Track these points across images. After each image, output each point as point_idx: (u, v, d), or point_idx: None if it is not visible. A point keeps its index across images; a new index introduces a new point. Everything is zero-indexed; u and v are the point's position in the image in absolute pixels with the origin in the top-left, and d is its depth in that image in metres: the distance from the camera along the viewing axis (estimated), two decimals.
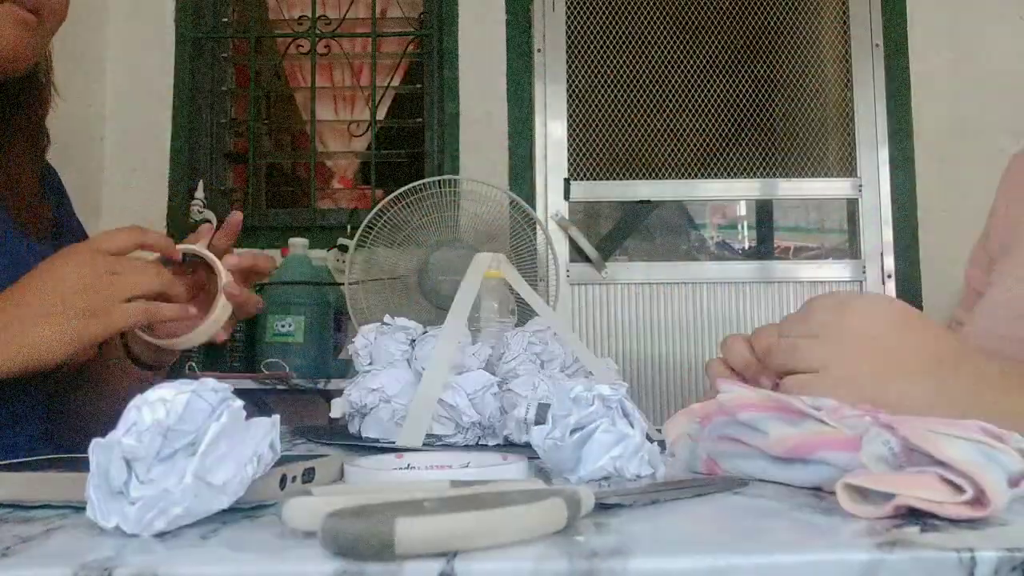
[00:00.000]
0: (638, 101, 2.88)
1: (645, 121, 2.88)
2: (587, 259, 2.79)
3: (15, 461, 0.54)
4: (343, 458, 0.55)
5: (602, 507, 0.43)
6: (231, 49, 3.01)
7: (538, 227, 2.38)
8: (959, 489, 0.39)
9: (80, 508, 0.41)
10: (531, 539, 0.36)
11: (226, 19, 2.99)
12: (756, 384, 0.62)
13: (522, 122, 2.81)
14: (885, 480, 0.40)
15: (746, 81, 2.88)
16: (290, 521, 0.37)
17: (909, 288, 2.73)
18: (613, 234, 2.86)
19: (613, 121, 2.87)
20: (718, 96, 2.88)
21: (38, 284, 0.76)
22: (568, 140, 2.84)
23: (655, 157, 2.87)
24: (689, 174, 2.86)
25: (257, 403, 2.22)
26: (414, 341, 0.84)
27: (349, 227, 2.52)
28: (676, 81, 2.88)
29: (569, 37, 2.87)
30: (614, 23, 2.89)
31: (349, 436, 0.82)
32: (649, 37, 2.90)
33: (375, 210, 2.29)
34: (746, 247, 3.02)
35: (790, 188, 2.87)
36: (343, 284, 2.27)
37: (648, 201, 2.86)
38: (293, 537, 0.38)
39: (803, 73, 2.89)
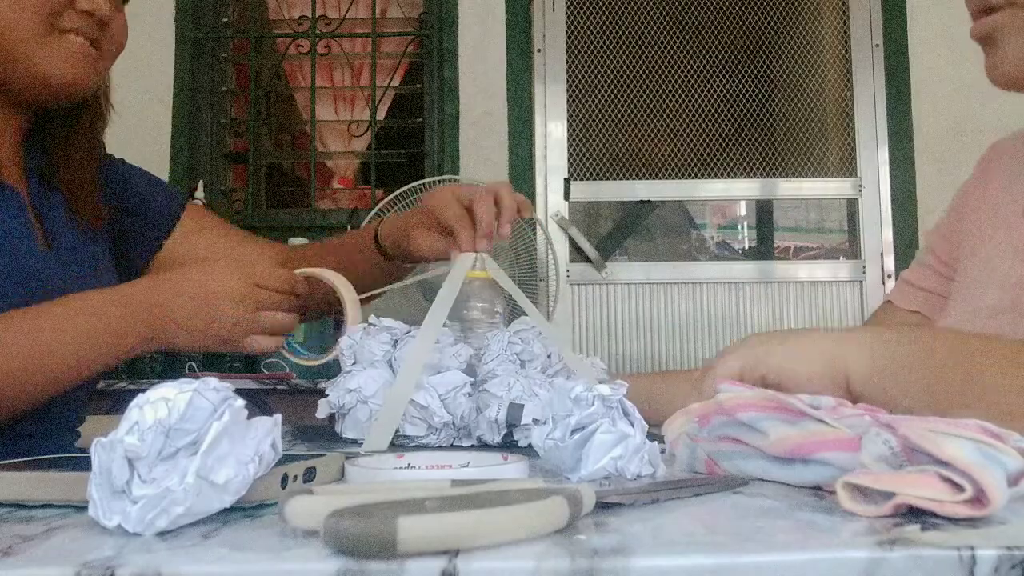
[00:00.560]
0: (638, 101, 2.88)
1: (645, 121, 2.88)
2: (587, 259, 2.79)
3: (16, 461, 0.54)
4: (343, 458, 0.55)
5: (602, 506, 0.43)
6: (231, 49, 3.01)
7: (538, 227, 2.38)
8: (959, 488, 0.39)
9: (82, 507, 0.41)
10: (533, 537, 0.36)
11: (226, 19, 2.99)
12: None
13: (522, 122, 2.81)
14: (885, 479, 0.40)
15: (746, 81, 2.88)
16: (292, 520, 0.38)
17: None
18: (613, 234, 2.87)
19: (613, 121, 2.87)
20: (718, 96, 2.88)
21: (192, 298, 0.83)
22: (568, 140, 2.84)
23: (655, 157, 2.87)
24: (689, 174, 2.86)
25: (258, 403, 2.22)
26: (397, 342, 0.84)
27: (349, 227, 2.52)
28: (676, 81, 2.88)
29: (569, 37, 2.87)
30: (614, 23, 2.89)
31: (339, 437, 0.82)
32: (649, 37, 2.90)
33: (375, 210, 2.29)
34: (746, 247, 3.02)
35: (790, 188, 2.87)
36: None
37: (648, 201, 2.86)
38: (294, 536, 0.38)
39: (803, 73, 2.89)
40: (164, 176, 2.80)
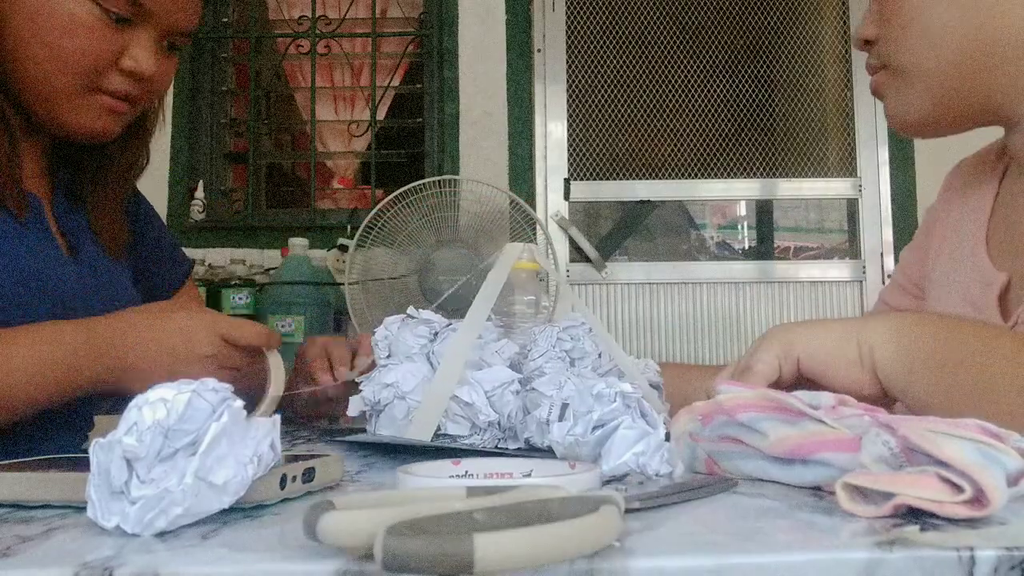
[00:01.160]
0: (638, 101, 2.88)
1: (645, 121, 2.88)
2: (587, 259, 2.79)
3: (15, 461, 0.54)
4: (342, 458, 0.55)
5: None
6: (231, 49, 3.01)
7: (538, 227, 2.38)
8: (958, 488, 0.39)
9: (80, 508, 0.41)
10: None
11: (226, 19, 2.99)
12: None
13: (522, 122, 2.81)
14: (884, 480, 0.40)
15: (746, 81, 2.88)
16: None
17: None
18: (613, 234, 2.86)
19: (613, 121, 2.87)
20: (718, 96, 2.88)
21: (158, 347, 0.78)
22: (568, 140, 2.84)
23: (655, 157, 2.87)
24: (689, 174, 2.86)
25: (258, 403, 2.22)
26: (437, 335, 0.78)
27: (349, 227, 2.52)
28: (676, 81, 2.88)
29: (569, 37, 2.87)
30: (614, 23, 2.89)
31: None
32: (649, 37, 2.90)
33: (375, 210, 2.29)
34: (746, 247, 3.02)
35: (790, 188, 2.87)
36: (343, 284, 2.27)
37: (648, 201, 2.86)
38: (293, 537, 0.38)
39: (803, 73, 2.89)
40: (164, 176, 2.81)
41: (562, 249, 2.76)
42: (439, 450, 0.67)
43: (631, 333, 2.76)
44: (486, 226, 2.27)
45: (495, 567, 0.30)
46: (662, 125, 2.87)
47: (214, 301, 2.40)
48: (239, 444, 0.41)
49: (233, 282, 2.42)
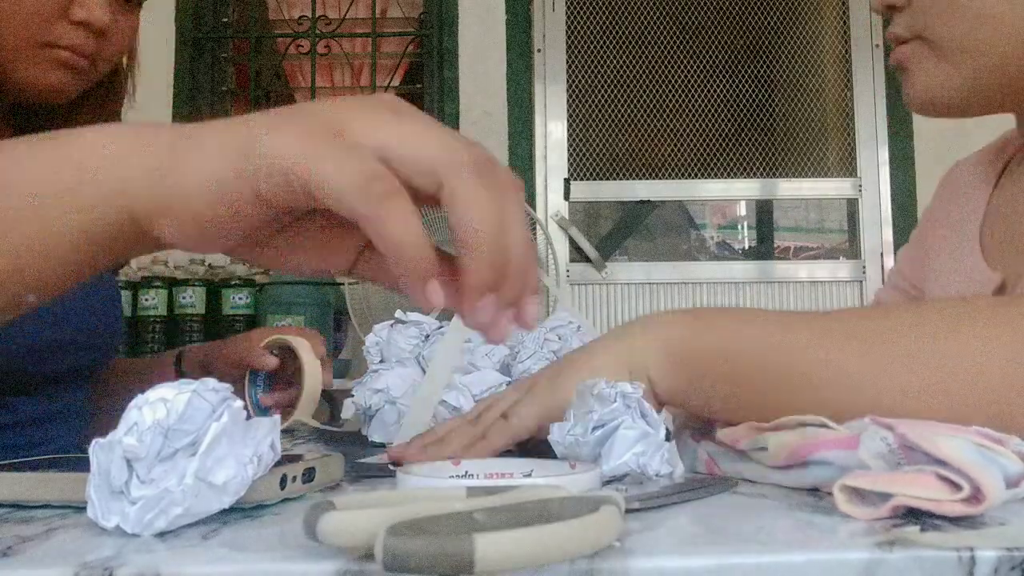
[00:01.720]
0: (638, 101, 2.88)
1: (645, 121, 2.88)
2: (587, 259, 2.79)
3: (15, 461, 0.54)
4: (343, 458, 0.55)
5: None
6: (231, 49, 3.01)
7: (538, 227, 2.38)
8: (956, 487, 0.39)
9: (81, 508, 0.41)
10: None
11: (226, 19, 2.99)
12: None
13: (522, 122, 2.81)
14: (882, 480, 0.40)
15: (746, 81, 2.88)
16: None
17: None
18: (613, 234, 2.87)
19: (613, 121, 2.87)
20: (718, 96, 2.88)
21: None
22: (568, 140, 2.84)
23: (655, 157, 2.87)
24: (689, 174, 2.86)
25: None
26: (428, 337, 0.78)
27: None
28: (676, 81, 2.88)
29: (569, 37, 2.87)
30: (614, 23, 2.89)
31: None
32: (649, 37, 2.90)
33: None
34: (746, 247, 3.02)
35: (790, 188, 2.87)
36: (343, 284, 2.27)
37: (648, 201, 2.86)
38: (294, 537, 0.38)
39: (803, 73, 2.89)
40: None
41: (562, 249, 2.76)
42: None
43: None
44: None
45: (495, 567, 0.30)
46: (662, 125, 2.87)
47: (214, 301, 2.40)
48: (239, 444, 0.41)
49: (233, 282, 2.42)
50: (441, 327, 0.78)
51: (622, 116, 2.87)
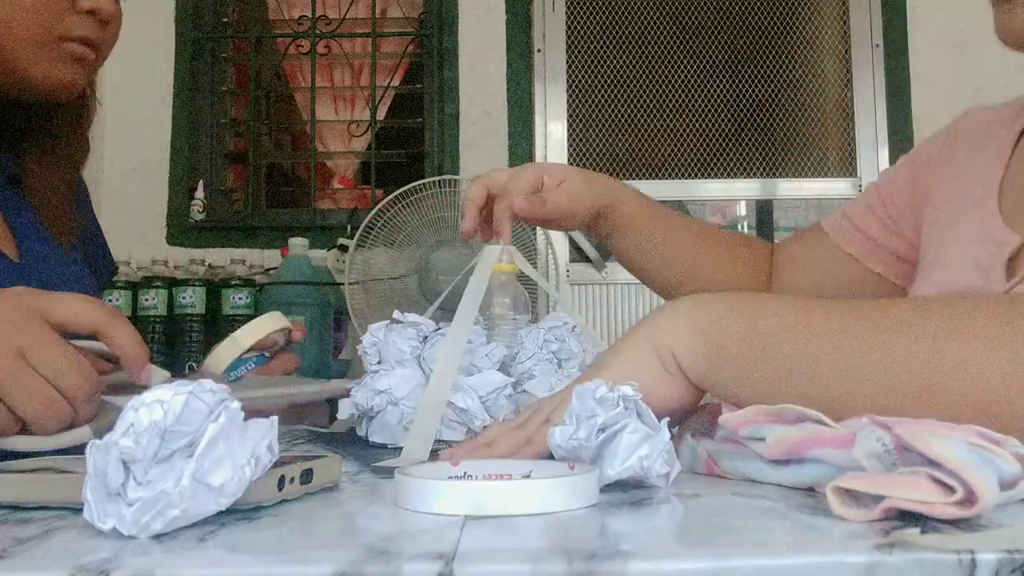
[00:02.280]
0: (638, 101, 2.87)
1: (645, 121, 2.87)
2: (587, 259, 2.78)
3: (13, 462, 0.54)
4: (341, 459, 0.54)
5: (601, 509, 0.43)
6: (231, 49, 3.00)
7: (538, 227, 2.38)
8: (950, 490, 0.38)
9: (78, 509, 0.41)
10: (527, 538, 0.35)
11: (226, 19, 2.99)
12: None
13: (522, 122, 2.81)
14: (875, 483, 0.39)
15: (746, 81, 2.88)
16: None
17: None
18: None
19: (613, 121, 2.86)
20: (718, 96, 2.88)
21: None
22: (568, 140, 2.84)
23: (655, 157, 2.87)
24: (689, 174, 2.86)
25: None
26: (426, 339, 0.78)
27: (349, 227, 2.52)
28: (676, 81, 2.88)
29: (569, 37, 2.87)
30: (614, 23, 2.89)
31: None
32: (649, 37, 2.90)
33: (375, 210, 2.29)
34: None
35: (790, 188, 2.87)
36: (343, 284, 2.27)
37: None
38: (292, 539, 0.38)
39: (803, 73, 2.89)
40: (164, 176, 2.80)
41: (562, 249, 2.76)
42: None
43: None
44: None
45: None
46: (662, 125, 2.87)
47: (214, 301, 2.40)
48: (236, 445, 0.41)
49: (233, 282, 2.42)
50: (439, 328, 0.78)
51: (622, 116, 2.87)
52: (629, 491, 0.50)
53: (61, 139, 0.89)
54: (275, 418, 0.44)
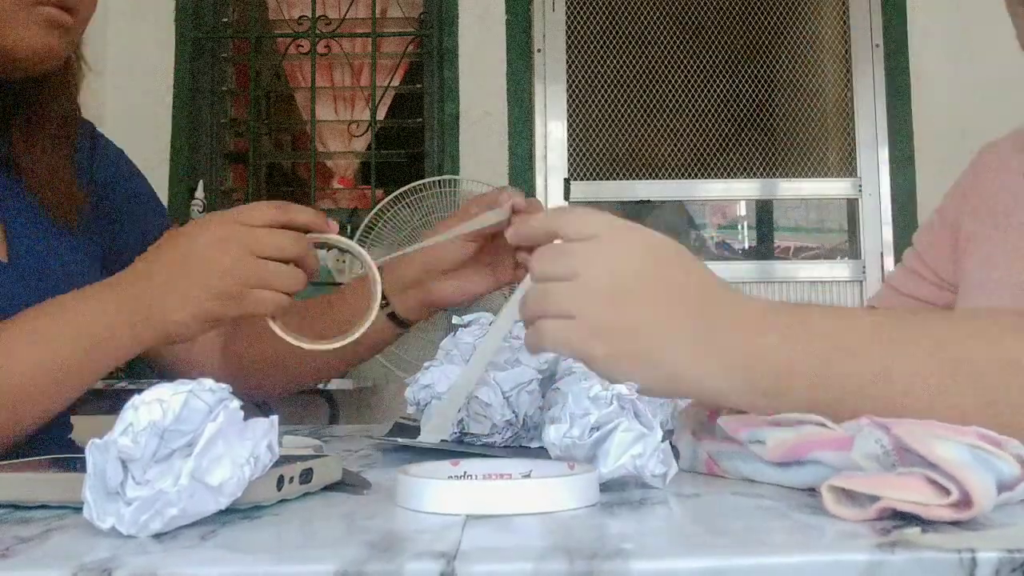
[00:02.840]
0: (638, 101, 2.87)
1: (645, 121, 2.87)
2: None
3: (14, 461, 0.54)
4: (341, 459, 0.54)
5: (602, 509, 0.43)
6: (231, 49, 3.01)
7: None
8: (946, 491, 0.38)
9: (78, 509, 0.41)
10: (529, 537, 0.35)
11: (226, 19, 2.99)
12: None
13: (522, 122, 2.81)
14: (870, 483, 0.39)
15: (746, 81, 2.88)
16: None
17: None
18: None
19: (613, 121, 2.86)
20: (718, 96, 2.88)
21: (174, 257, 0.70)
22: (568, 140, 2.84)
23: (655, 157, 2.87)
24: (689, 174, 2.86)
25: (257, 403, 2.21)
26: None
27: (349, 227, 2.52)
28: (676, 81, 2.88)
29: (569, 37, 2.87)
30: (614, 23, 2.89)
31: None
32: (649, 37, 2.90)
33: (375, 210, 2.29)
34: (746, 247, 3.01)
35: (790, 188, 2.87)
36: (343, 284, 2.26)
37: (648, 201, 2.85)
38: (291, 538, 0.38)
39: (803, 73, 2.89)
40: (164, 176, 2.80)
41: None
42: (452, 452, 0.67)
43: None
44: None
45: None
46: (662, 125, 2.87)
47: None
48: (236, 445, 0.41)
49: None
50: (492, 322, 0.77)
51: (622, 116, 2.87)
52: (629, 491, 0.50)
53: (49, 111, 0.85)
54: (275, 418, 0.44)
